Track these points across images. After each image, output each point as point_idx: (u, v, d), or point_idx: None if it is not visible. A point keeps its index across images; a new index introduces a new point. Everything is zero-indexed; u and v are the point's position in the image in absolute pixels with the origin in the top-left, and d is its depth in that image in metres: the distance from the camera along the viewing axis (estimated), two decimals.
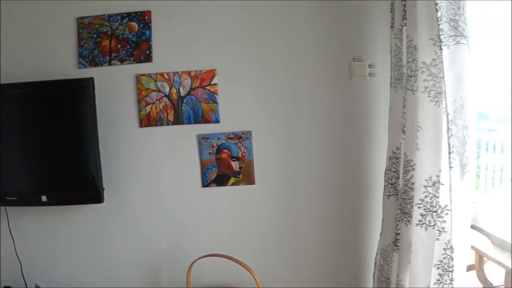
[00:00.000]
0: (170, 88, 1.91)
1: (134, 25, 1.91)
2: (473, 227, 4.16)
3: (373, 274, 1.90)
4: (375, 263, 1.87)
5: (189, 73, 1.90)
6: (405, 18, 1.54)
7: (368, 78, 1.93)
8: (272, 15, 1.91)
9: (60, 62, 1.94)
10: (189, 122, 1.92)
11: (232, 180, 1.97)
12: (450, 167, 1.39)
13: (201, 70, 1.90)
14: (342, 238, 2.06)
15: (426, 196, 1.48)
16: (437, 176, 1.46)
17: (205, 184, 1.97)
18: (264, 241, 2.04)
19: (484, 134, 4.66)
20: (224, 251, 1.82)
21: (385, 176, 1.77)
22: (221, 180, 1.97)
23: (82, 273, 2.06)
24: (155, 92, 1.91)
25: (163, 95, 1.91)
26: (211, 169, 1.95)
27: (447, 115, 1.38)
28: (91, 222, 2.02)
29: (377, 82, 1.92)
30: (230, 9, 1.90)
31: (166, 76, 1.91)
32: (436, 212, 1.48)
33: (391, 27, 1.68)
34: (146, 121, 1.93)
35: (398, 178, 1.65)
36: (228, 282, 2.01)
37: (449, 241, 1.46)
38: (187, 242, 2.02)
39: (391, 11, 1.67)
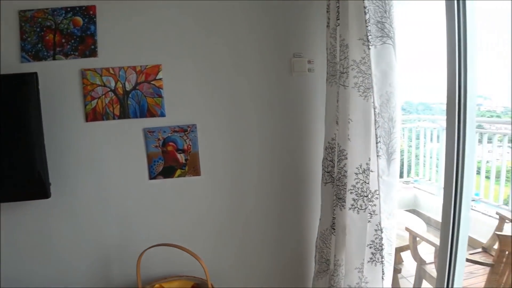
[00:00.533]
0: (116, 83, 1.92)
1: (79, 19, 1.90)
2: (412, 211, 4.49)
3: (315, 256, 2.03)
4: (316, 246, 2.00)
5: (134, 68, 1.92)
6: (338, 19, 1.64)
7: (308, 74, 2.05)
8: (216, 12, 1.96)
9: (1, 56, 1.87)
10: (135, 116, 1.95)
11: (178, 172, 2.02)
12: (377, 156, 1.52)
13: (146, 65, 1.92)
14: (286, 224, 2.18)
15: (357, 182, 1.62)
16: (367, 164, 1.60)
17: (152, 176, 2.01)
18: (211, 229, 2.12)
19: (428, 124, 4.99)
20: (173, 241, 1.87)
21: (322, 165, 1.89)
22: (167, 172, 2.01)
23: (31, 271, 2.02)
24: (100, 87, 1.91)
25: (109, 89, 1.92)
26: (158, 161, 1.99)
27: (375, 108, 1.51)
28: (38, 218, 1.99)
29: (316, 77, 2.04)
30: (174, 5, 1.93)
31: (111, 71, 1.91)
32: (367, 196, 1.62)
33: (327, 26, 1.79)
34: (92, 115, 1.93)
35: (334, 167, 1.78)
36: (178, 270, 2.07)
37: (379, 223, 1.60)
38: (136, 234, 2.05)
39: (327, 11, 1.77)
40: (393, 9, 1.54)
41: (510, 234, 2.29)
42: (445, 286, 1.61)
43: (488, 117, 5.78)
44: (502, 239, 2.15)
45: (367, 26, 1.49)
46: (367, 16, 1.49)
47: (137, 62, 1.93)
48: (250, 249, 2.17)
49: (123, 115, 1.94)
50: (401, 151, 4.83)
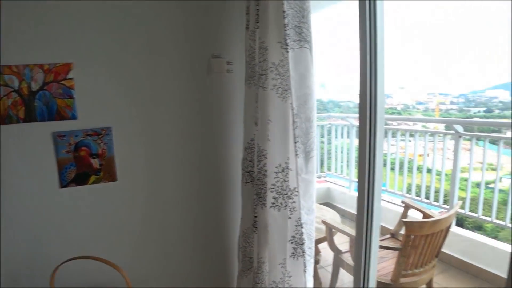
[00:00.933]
0: (20, 83, 1.74)
1: None
2: (326, 203, 4.75)
3: (238, 256, 2.05)
4: (239, 245, 2.03)
5: (41, 66, 1.76)
6: (258, 21, 1.67)
7: (227, 74, 2.06)
8: (133, 11, 1.88)
9: None
10: (43, 119, 1.78)
11: (92, 178, 1.90)
12: (296, 155, 1.60)
13: (56, 64, 1.77)
14: (208, 226, 2.18)
15: (277, 181, 1.67)
16: (286, 163, 1.66)
17: (64, 184, 1.86)
18: (131, 236, 2.03)
19: (338, 121, 5.32)
20: (90, 252, 1.76)
21: (242, 165, 1.92)
22: (81, 179, 1.88)
23: None
24: (2, 87, 1.72)
25: (12, 90, 1.73)
26: (70, 168, 1.85)
27: (293, 109, 1.58)
28: None
29: (235, 78, 2.06)
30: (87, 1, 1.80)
31: (14, 69, 1.73)
32: (286, 194, 1.68)
33: (246, 28, 1.81)
34: None
35: (253, 166, 1.82)
36: (98, 283, 1.95)
37: (299, 219, 1.67)
38: (49, 247, 1.88)
39: (246, 14, 1.79)
40: (310, 14, 1.62)
41: (414, 220, 2.54)
42: (362, 272, 1.73)
43: (390, 113, 6.43)
44: (407, 225, 2.36)
45: (285, 30, 1.55)
46: (286, 21, 1.54)
47: (45, 59, 1.76)
48: (173, 253, 2.13)
49: (29, 118, 1.77)
50: (318, 147, 5.11)
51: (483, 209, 3.36)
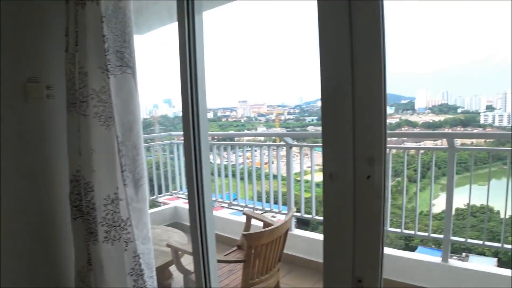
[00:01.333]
0: None
1: None
2: (175, 224, 4.74)
3: None
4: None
5: None
6: (77, 45, 1.57)
7: (47, 100, 1.85)
8: None
9: None
10: None
11: None
12: (124, 184, 1.54)
13: None
14: (40, 272, 1.91)
15: (107, 214, 1.59)
16: (115, 193, 1.59)
17: None
18: None
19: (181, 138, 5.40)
20: None
21: (69, 200, 1.75)
22: None
23: None
24: None
25: None
26: None
27: (117, 137, 1.52)
28: None
29: (57, 104, 1.86)
30: None
31: None
32: (119, 226, 1.61)
33: (65, 50, 1.67)
34: None
35: (81, 200, 1.68)
36: None
37: (136, 250, 1.62)
38: None
39: (66, 35, 1.66)
40: (133, 39, 1.59)
41: (252, 232, 2.68)
42: (204, 285, 1.76)
43: (235, 126, 6.87)
44: (247, 237, 2.48)
45: (106, 55, 1.50)
46: (106, 45, 1.49)
47: None
48: None
49: None
50: (161, 165, 5.08)
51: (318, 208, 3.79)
